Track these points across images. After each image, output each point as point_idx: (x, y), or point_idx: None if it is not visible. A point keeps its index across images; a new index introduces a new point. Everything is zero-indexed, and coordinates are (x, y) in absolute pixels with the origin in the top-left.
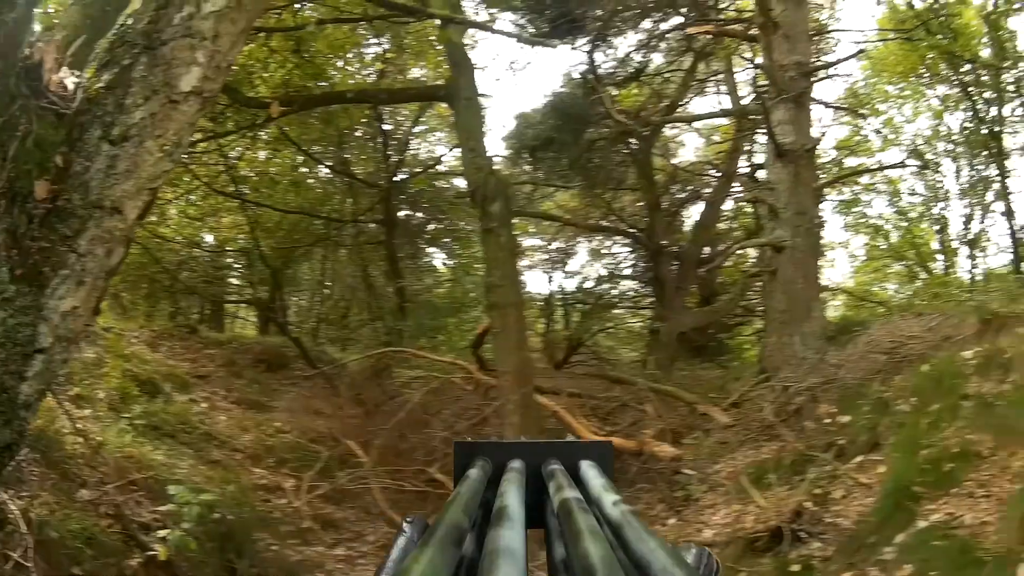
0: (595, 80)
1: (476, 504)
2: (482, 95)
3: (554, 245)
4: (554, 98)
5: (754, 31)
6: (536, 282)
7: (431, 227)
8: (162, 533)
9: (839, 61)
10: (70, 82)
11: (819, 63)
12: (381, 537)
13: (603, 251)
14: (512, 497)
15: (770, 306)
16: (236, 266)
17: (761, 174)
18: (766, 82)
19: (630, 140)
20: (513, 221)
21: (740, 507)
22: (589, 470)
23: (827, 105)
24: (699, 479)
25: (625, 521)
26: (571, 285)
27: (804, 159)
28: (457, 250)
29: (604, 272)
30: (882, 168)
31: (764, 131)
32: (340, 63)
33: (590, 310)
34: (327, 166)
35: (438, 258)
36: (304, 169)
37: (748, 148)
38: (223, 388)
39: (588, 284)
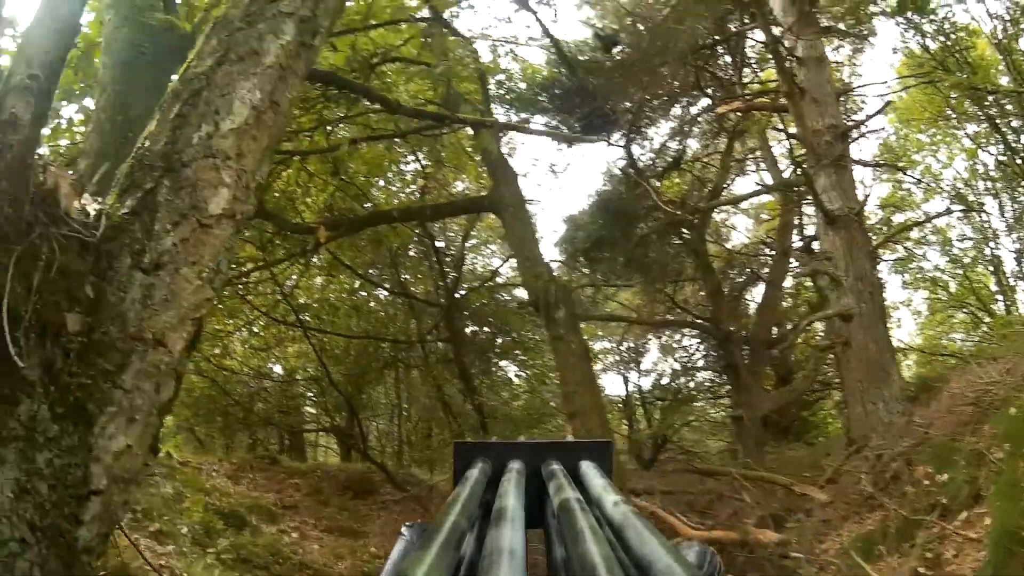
0: (636, 173)
1: (476, 505)
2: (528, 200)
3: (625, 345)
4: (599, 197)
5: (782, 100)
6: (613, 384)
7: (499, 341)
8: None
9: (870, 116)
10: (92, 208)
11: (851, 122)
12: None
13: (674, 345)
14: (512, 497)
15: (847, 376)
16: (309, 394)
17: (815, 246)
18: (803, 151)
19: (682, 230)
20: (580, 325)
21: None
22: (589, 470)
23: (866, 164)
24: (807, 560)
25: (626, 521)
26: (647, 383)
27: (855, 222)
28: (529, 361)
29: (678, 366)
30: (929, 219)
31: (811, 200)
32: (381, 182)
33: (670, 406)
34: (385, 288)
35: (511, 371)
36: (363, 293)
37: (798, 221)
38: (312, 517)
39: (664, 380)
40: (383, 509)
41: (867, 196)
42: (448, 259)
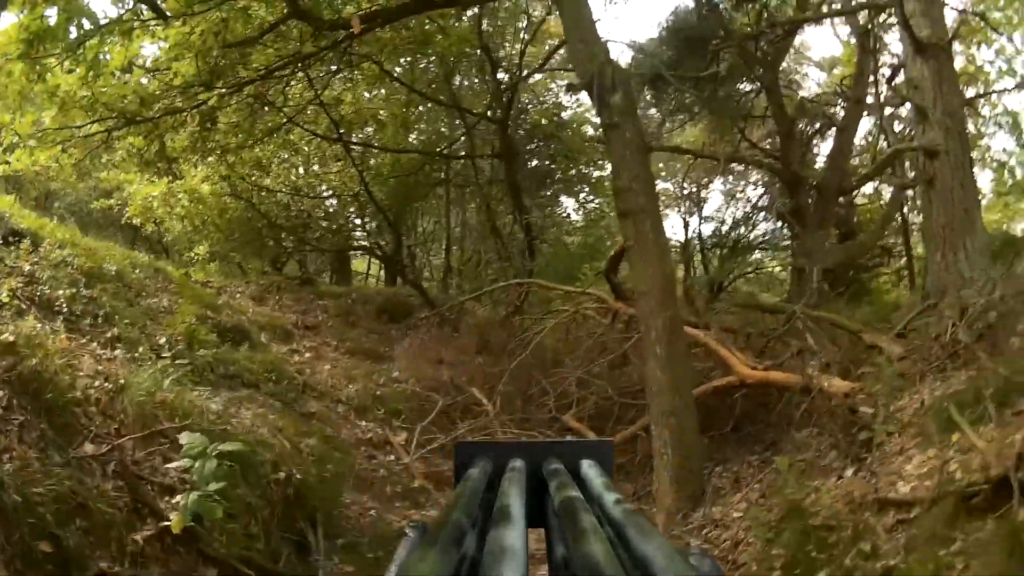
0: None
1: (477, 504)
2: None
3: (687, 188)
4: (671, 23)
5: None
6: (672, 228)
7: (558, 174)
8: (179, 498)
9: None
10: None
11: None
12: None
13: (737, 192)
14: (513, 497)
15: (929, 221)
16: (350, 215)
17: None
18: None
19: (756, 67)
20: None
21: (940, 452)
22: (590, 470)
23: (954, 8)
24: (882, 418)
25: (626, 520)
26: (707, 230)
27: (944, 54)
28: (590, 199)
29: (739, 214)
30: (1002, 92)
31: (899, 23)
32: None
33: (728, 253)
34: (434, 100)
35: (570, 205)
36: (419, 108)
37: (874, 70)
38: (335, 338)
39: (725, 227)
40: (415, 331)
41: (960, 23)
42: (504, 73)
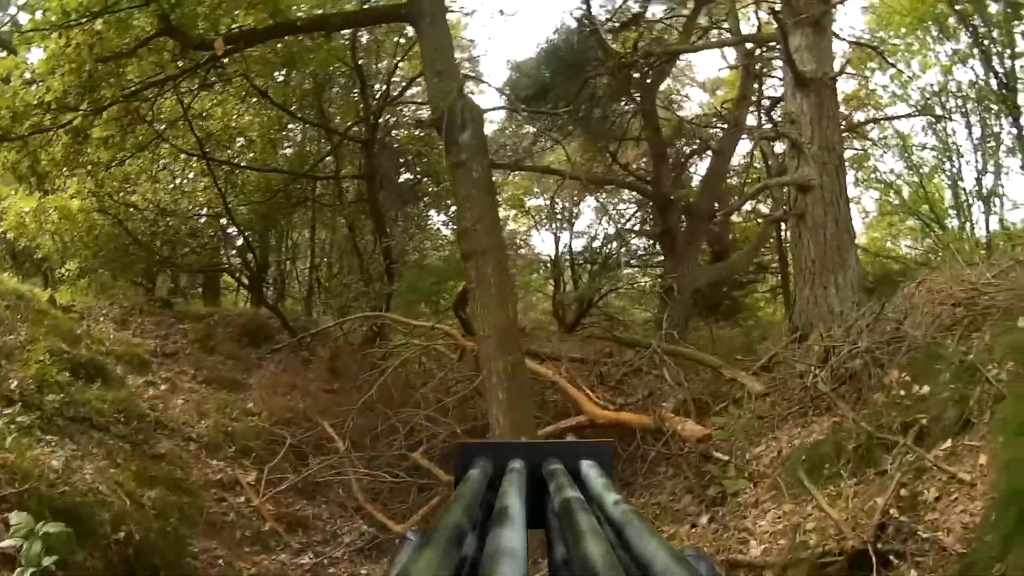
0: (592, 23)
1: (477, 505)
2: (452, 10)
3: (559, 203)
4: (549, 44)
5: None
6: (543, 243)
7: (431, 189)
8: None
9: None
10: None
11: None
12: (358, 538)
13: (610, 208)
14: (513, 497)
15: (799, 255)
16: (218, 236)
17: (777, 115)
18: (779, 8)
19: (631, 90)
20: (488, 152)
21: (796, 508)
22: (590, 470)
23: (843, 39)
24: (736, 466)
25: (626, 521)
26: (579, 245)
27: (827, 89)
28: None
29: (611, 230)
30: (891, 118)
31: (782, 58)
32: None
33: (599, 270)
34: (300, 119)
35: (439, 220)
36: (288, 126)
37: (756, 96)
38: (191, 366)
39: (596, 243)
40: (272, 359)
41: (846, 63)
42: (376, 91)
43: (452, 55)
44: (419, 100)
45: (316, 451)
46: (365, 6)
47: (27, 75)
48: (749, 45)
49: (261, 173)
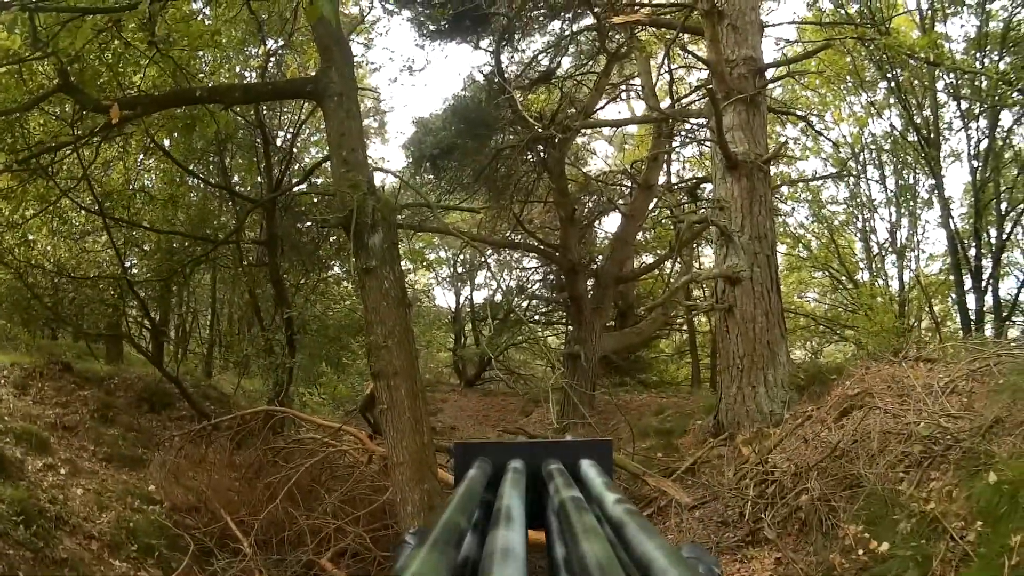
0: (502, 82)
1: (476, 504)
2: (363, 89)
3: (461, 257)
4: (456, 102)
5: (691, 22)
6: (444, 297)
7: (331, 241)
8: None
9: (797, 59)
10: None
11: (773, 61)
12: None
13: (512, 264)
14: (512, 497)
15: (726, 348)
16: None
17: (708, 192)
18: (709, 82)
19: (539, 148)
20: (399, 257)
21: None
22: (589, 469)
23: (774, 111)
24: None
25: (626, 520)
26: (479, 299)
27: (759, 172)
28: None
29: (513, 284)
30: (813, 179)
31: (713, 139)
32: (214, 60)
33: (501, 325)
34: (201, 178)
35: (340, 271)
36: (191, 182)
37: (668, 158)
38: (92, 442)
39: (497, 297)
40: (178, 427)
41: (782, 145)
42: (279, 152)
43: (361, 140)
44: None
45: (221, 549)
46: (267, 80)
47: None
48: (664, 106)
49: (160, 235)
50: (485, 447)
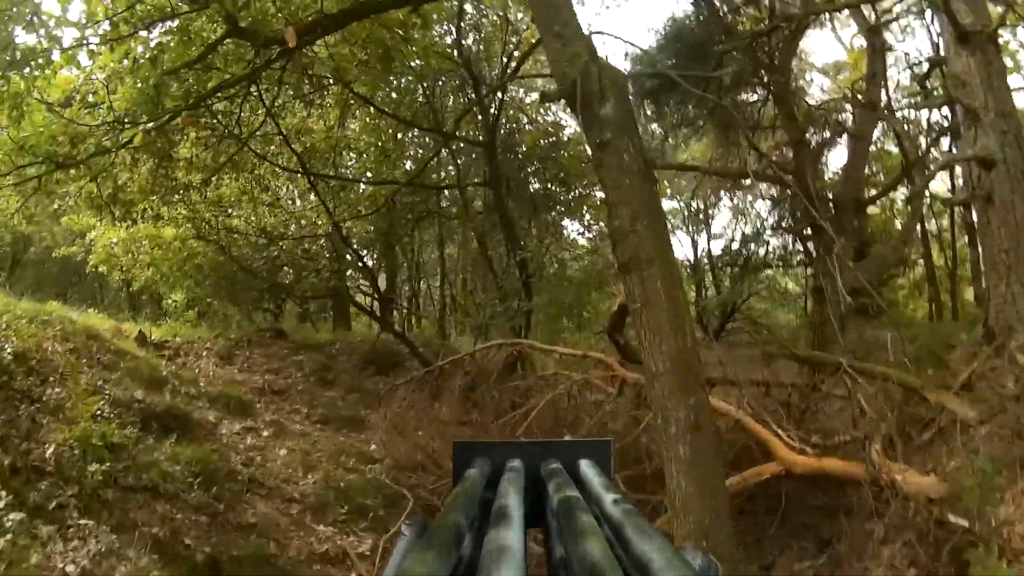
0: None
1: (475, 504)
2: None
3: (694, 205)
4: (668, 30)
5: None
6: (679, 248)
7: (563, 197)
8: None
9: None
10: None
11: None
12: None
13: (746, 208)
14: (511, 497)
15: (989, 246)
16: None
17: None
18: None
19: (763, 72)
20: (639, 128)
21: None
22: (588, 469)
23: None
24: (984, 537)
25: (625, 520)
26: (717, 248)
27: (991, 44)
28: (596, 219)
29: (749, 231)
30: None
31: (941, 9)
32: None
33: (740, 273)
34: (412, 124)
35: (573, 230)
36: (400, 136)
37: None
38: (305, 404)
39: (734, 245)
40: (398, 392)
41: (1005, 14)
42: (488, 89)
43: (573, 14)
44: (541, 77)
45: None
46: None
47: (90, 96)
48: (870, 15)
49: (376, 188)
50: (484, 447)
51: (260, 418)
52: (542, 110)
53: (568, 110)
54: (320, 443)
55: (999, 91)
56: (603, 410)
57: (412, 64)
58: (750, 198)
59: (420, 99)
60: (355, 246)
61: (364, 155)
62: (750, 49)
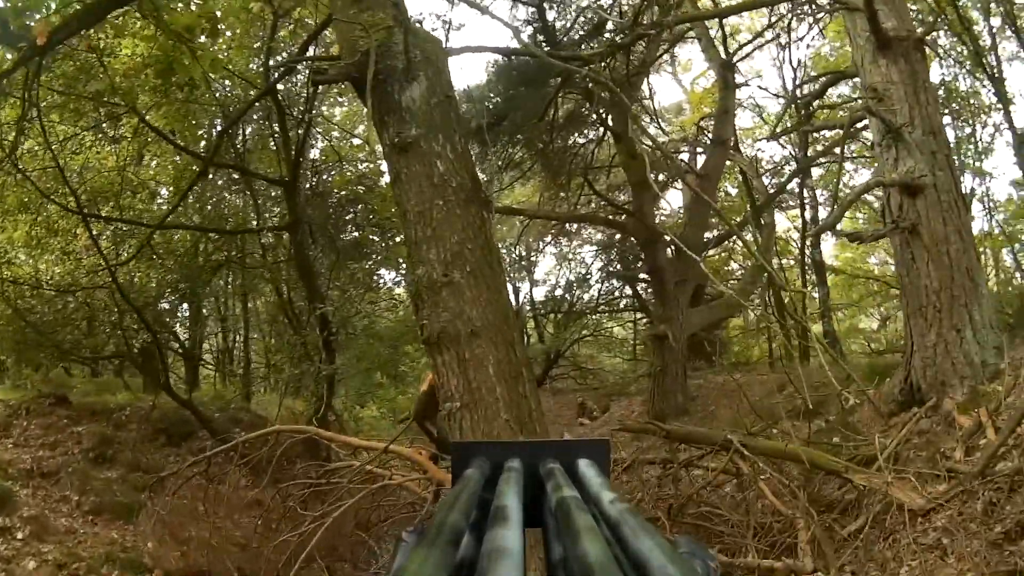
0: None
1: (474, 504)
2: None
3: (517, 251)
4: (502, 65)
5: None
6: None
7: (382, 243)
8: None
9: None
10: None
11: None
12: None
13: (571, 255)
14: (510, 497)
15: (915, 285)
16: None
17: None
18: None
19: (601, 112)
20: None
21: None
22: (587, 469)
23: None
24: None
25: (623, 519)
26: (540, 294)
27: (917, 52)
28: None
29: (573, 276)
30: None
31: (864, 11)
32: None
33: (564, 319)
34: (200, 157)
35: (390, 280)
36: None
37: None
38: (77, 490)
39: (559, 291)
40: (194, 463)
41: (936, 19)
42: (296, 123)
43: None
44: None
45: None
46: None
47: None
48: (722, 50)
49: (171, 232)
50: (483, 447)
51: (19, 513)
52: (361, 149)
53: (314, 87)
54: (85, 544)
55: (927, 106)
56: (420, 514)
57: (196, 82)
58: (576, 243)
59: (217, 129)
60: (151, 296)
61: (156, 196)
62: (589, 89)
